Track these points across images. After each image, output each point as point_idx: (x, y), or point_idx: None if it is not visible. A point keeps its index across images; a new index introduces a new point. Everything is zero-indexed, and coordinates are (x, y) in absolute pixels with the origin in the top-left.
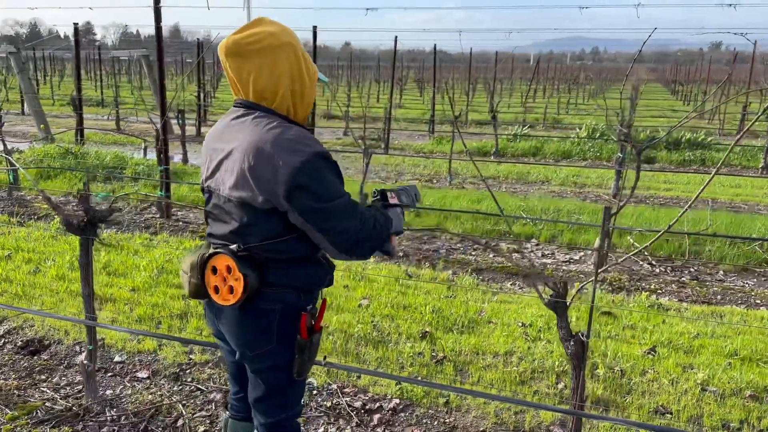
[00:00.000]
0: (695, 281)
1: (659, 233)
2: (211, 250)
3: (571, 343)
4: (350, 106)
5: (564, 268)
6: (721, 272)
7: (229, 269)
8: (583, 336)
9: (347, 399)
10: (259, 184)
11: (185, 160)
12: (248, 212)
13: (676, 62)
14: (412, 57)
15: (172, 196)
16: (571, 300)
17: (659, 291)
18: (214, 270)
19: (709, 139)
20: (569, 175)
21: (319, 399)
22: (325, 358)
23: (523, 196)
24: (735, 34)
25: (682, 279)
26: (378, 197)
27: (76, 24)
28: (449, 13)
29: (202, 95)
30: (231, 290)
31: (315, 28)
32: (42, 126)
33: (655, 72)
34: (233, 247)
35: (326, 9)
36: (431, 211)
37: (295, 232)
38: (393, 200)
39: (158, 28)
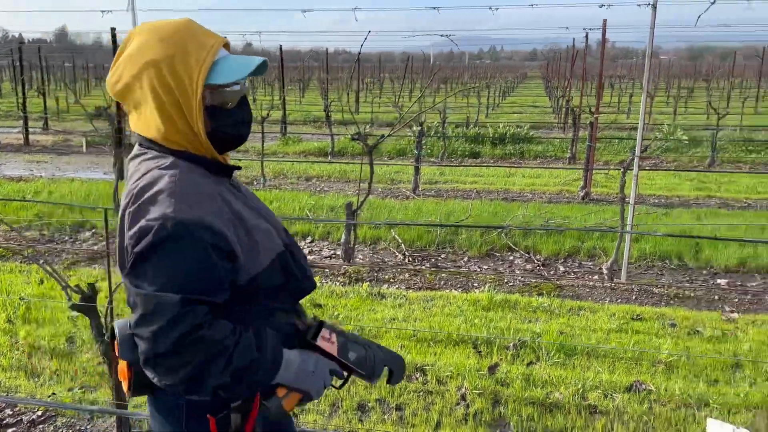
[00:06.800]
0: (433, 269)
1: (407, 224)
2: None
3: (104, 339)
4: None
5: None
6: (466, 258)
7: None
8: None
9: None
10: (117, 253)
11: None
12: None
13: (559, 59)
14: (315, 57)
15: None
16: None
17: (391, 280)
18: None
19: (532, 133)
20: (388, 173)
21: None
22: None
23: (323, 195)
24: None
25: (421, 268)
26: (312, 330)
27: None
28: (353, 14)
29: (45, 102)
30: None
31: (113, 30)
32: None
33: (544, 69)
34: (123, 321)
35: (213, 10)
36: None
37: None
38: (325, 346)
39: None
